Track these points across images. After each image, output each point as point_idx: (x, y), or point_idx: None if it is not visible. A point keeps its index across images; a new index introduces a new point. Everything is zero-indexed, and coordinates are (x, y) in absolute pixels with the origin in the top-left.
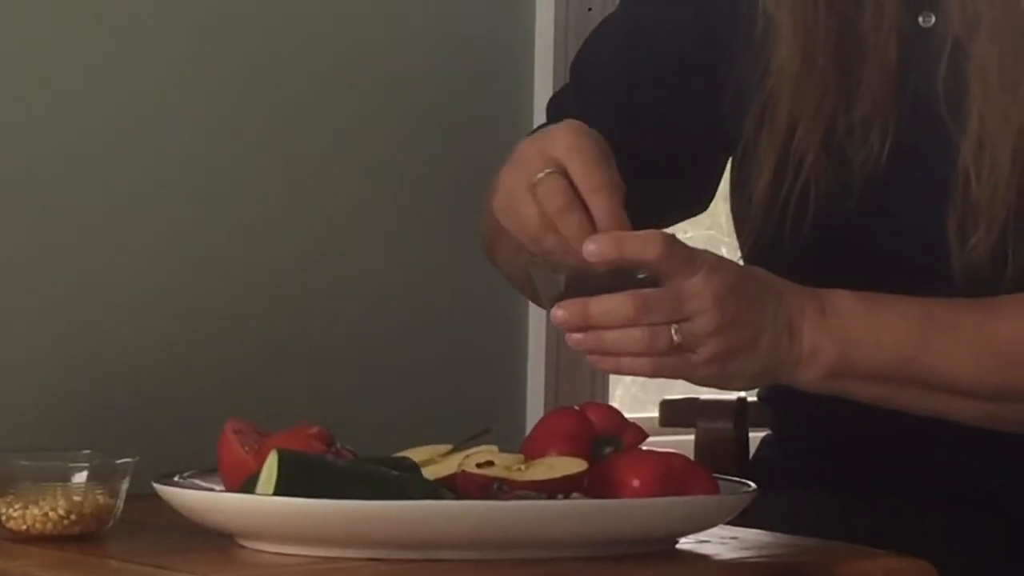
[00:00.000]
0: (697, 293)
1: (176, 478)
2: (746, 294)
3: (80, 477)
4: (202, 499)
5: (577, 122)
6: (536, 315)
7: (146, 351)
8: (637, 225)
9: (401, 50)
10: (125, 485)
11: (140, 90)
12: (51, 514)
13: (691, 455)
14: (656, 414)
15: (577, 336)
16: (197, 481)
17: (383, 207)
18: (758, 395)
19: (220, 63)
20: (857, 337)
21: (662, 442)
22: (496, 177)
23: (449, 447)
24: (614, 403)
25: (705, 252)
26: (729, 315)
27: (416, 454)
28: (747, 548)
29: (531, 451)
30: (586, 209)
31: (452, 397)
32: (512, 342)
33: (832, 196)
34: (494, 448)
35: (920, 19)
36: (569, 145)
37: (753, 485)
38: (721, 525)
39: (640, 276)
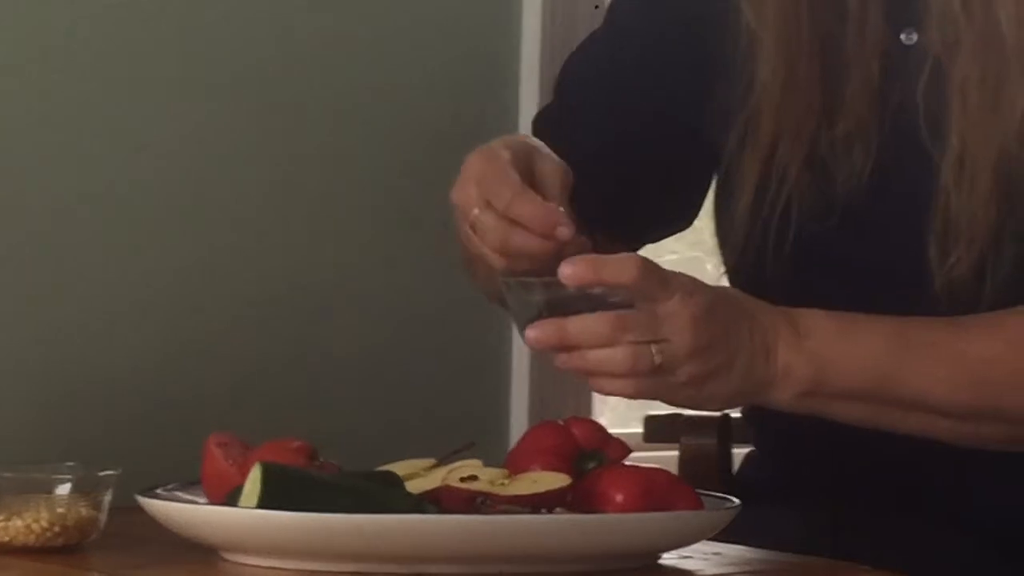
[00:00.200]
0: (673, 314)
1: (159, 491)
2: (721, 316)
3: (63, 489)
4: (185, 512)
5: (488, 147)
6: None
7: (130, 364)
8: (621, 244)
9: (388, 67)
10: (108, 497)
11: (126, 114)
12: (34, 526)
13: (675, 471)
14: (640, 430)
15: (564, 356)
16: (180, 494)
17: (367, 223)
18: (741, 412)
19: (208, 83)
20: (830, 356)
21: (646, 458)
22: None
23: (433, 461)
24: (599, 418)
25: (680, 275)
26: (705, 338)
27: (400, 468)
28: (730, 564)
29: (515, 465)
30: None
31: (436, 411)
32: (496, 356)
33: (814, 212)
34: (478, 462)
35: (903, 36)
36: (477, 177)
37: (736, 501)
38: (704, 541)
39: (612, 300)
